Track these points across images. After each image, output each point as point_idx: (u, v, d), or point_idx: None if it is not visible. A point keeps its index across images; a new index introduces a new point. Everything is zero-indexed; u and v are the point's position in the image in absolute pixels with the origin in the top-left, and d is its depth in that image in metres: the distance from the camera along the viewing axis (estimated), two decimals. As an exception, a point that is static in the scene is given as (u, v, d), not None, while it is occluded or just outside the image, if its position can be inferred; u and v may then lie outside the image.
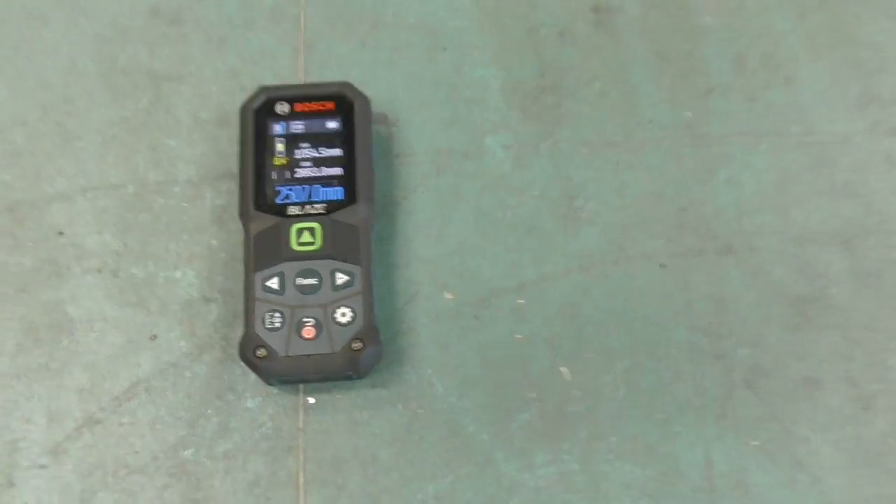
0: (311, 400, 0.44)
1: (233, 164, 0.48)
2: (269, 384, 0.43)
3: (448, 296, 0.45)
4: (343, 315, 0.41)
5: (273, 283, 0.41)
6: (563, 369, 0.44)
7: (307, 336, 0.40)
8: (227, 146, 0.49)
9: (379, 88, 0.50)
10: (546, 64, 0.51)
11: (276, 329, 0.41)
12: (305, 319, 0.41)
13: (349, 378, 0.42)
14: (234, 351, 0.44)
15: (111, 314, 0.45)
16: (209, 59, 0.51)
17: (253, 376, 0.44)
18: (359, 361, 0.40)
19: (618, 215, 0.48)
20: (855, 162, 0.49)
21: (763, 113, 0.50)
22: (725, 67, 0.51)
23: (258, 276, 0.41)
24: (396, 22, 0.52)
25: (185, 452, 0.43)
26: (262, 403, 0.44)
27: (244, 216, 0.43)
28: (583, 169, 0.49)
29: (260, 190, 0.43)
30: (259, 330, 0.41)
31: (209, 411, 0.43)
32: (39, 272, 0.46)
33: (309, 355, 0.40)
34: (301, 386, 0.44)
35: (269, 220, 0.42)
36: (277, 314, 0.41)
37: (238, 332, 0.45)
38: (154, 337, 0.45)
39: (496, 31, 0.52)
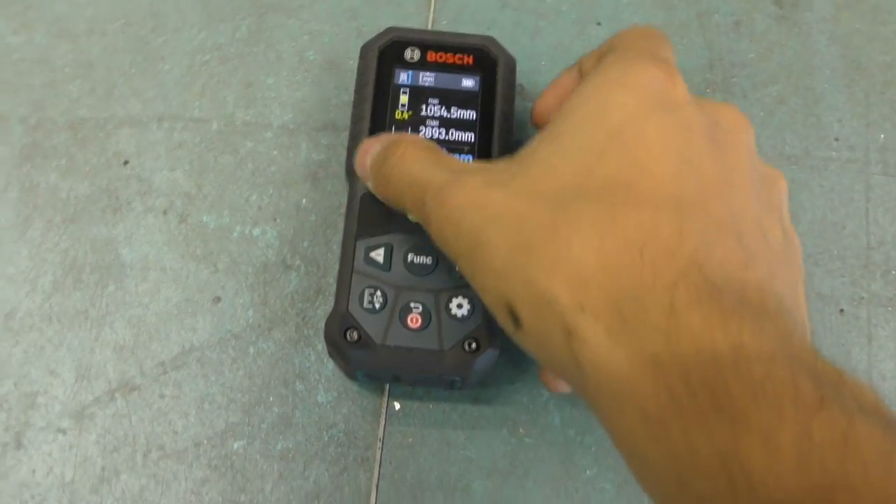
0: (397, 405, 0.35)
1: (337, 115, 0.41)
2: (352, 377, 0.34)
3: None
4: (459, 306, 0.33)
5: (378, 256, 0.33)
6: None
7: (412, 325, 0.32)
8: (333, 94, 0.41)
9: (518, 55, 0.42)
10: (716, 56, 0.43)
11: (375, 311, 0.32)
12: (413, 305, 0.33)
13: (451, 385, 0.34)
14: (311, 331, 0.36)
15: (171, 265, 0.37)
16: (326, -6, 0.44)
17: (330, 365, 0.36)
18: (471, 367, 0.32)
19: (790, 242, 0.39)
20: None
21: (973, 148, 0.42)
22: (929, 90, 0.43)
23: (361, 245, 0.33)
24: (546, -16, 0.45)
25: (235, 444, 0.35)
26: (337, 400, 0.35)
27: (352, 171, 0.35)
28: (751, 181, 0.40)
29: None
30: (353, 308, 0.33)
31: (271, 398, 0.35)
32: (94, 203, 0.38)
33: (410, 349, 0.32)
34: (387, 386, 0.36)
35: None
36: (379, 293, 0.33)
37: (319, 311, 0.37)
38: (217, 299, 0.37)
39: (660, 11, 0.44)
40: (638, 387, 0.20)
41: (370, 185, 0.31)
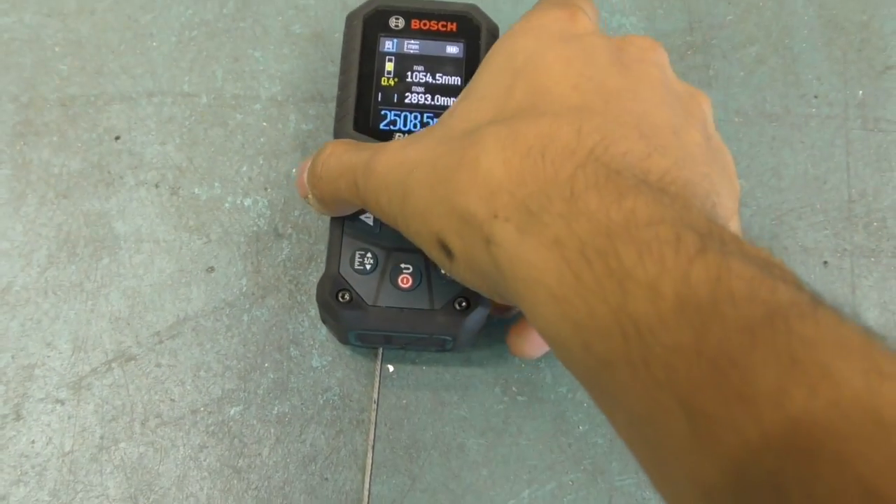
0: (391, 368, 0.36)
1: (324, 86, 0.41)
2: (344, 341, 0.35)
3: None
4: (448, 265, 0.33)
5: (368, 218, 0.34)
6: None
7: (403, 285, 0.33)
8: (320, 66, 0.42)
9: (501, 25, 0.42)
10: (696, 19, 0.44)
11: (366, 272, 0.33)
12: (403, 266, 0.33)
13: (443, 347, 0.34)
14: (304, 297, 0.37)
15: (164, 236, 0.38)
16: (310, -32, 0.44)
17: (324, 330, 0.36)
18: (461, 325, 0.33)
19: (774, 198, 0.40)
20: None
21: (952, 103, 0.42)
22: (907, 47, 0.44)
23: (350, 207, 0.34)
24: (528, -47, 0.45)
25: (232, 410, 0.35)
26: (332, 365, 0.36)
27: (340, 135, 0.35)
28: (734, 141, 0.41)
29: (361, 110, 0.36)
30: (345, 270, 0.33)
31: (266, 364, 0.36)
32: (87, 178, 0.39)
33: (402, 309, 0.33)
34: (380, 350, 0.36)
35: None
36: (370, 255, 0.33)
37: (311, 277, 0.37)
38: (211, 269, 0.37)
39: (641, -23, 0.45)
40: (544, 269, 0.22)
41: (311, 198, 0.32)
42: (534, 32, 0.28)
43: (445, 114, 0.29)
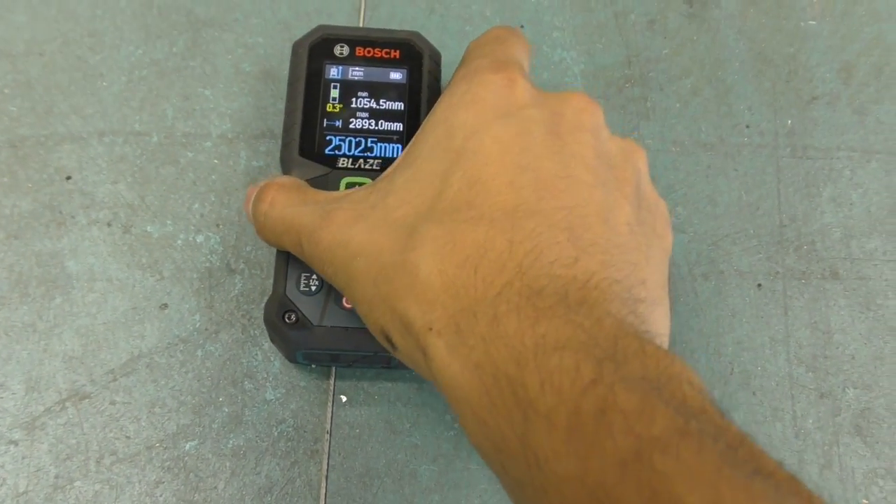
0: (344, 398, 0.37)
1: (274, 122, 0.42)
2: (293, 360, 0.36)
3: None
4: (393, 292, 0.34)
5: (314, 247, 0.35)
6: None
7: (347, 306, 0.34)
8: (270, 103, 0.43)
9: (446, 58, 0.44)
10: (633, 52, 0.46)
11: (312, 294, 0.34)
12: None
13: (388, 364, 0.35)
14: (257, 331, 0.38)
15: (117, 275, 0.38)
16: (258, 8, 0.45)
17: (277, 363, 0.37)
18: (402, 345, 0.34)
19: (710, 224, 0.42)
20: (977, 193, 0.43)
21: (874, 128, 0.44)
22: (831, 76, 0.46)
23: (298, 236, 0.35)
24: (470, -10, 0.47)
25: (187, 445, 0.36)
26: (285, 397, 0.37)
27: (286, 162, 0.36)
28: (671, 170, 0.43)
29: (307, 136, 0.37)
30: (291, 291, 0.34)
31: (220, 399, 0.36)
32: (38, 218, 0.39)
33: (346, 328, 0.34)
34: (333, 381, 0.37)
35: (315, 170, 0.36)
36: (314, 277, 0.34)
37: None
38: (164, 306, 0.38)
39: (580, 12, 0.47)
40: (467, 391, 0.23)
41: (255, 230, 0.33)
42: (473, 107, 0.28)
43: (385, 181, 0.29)
